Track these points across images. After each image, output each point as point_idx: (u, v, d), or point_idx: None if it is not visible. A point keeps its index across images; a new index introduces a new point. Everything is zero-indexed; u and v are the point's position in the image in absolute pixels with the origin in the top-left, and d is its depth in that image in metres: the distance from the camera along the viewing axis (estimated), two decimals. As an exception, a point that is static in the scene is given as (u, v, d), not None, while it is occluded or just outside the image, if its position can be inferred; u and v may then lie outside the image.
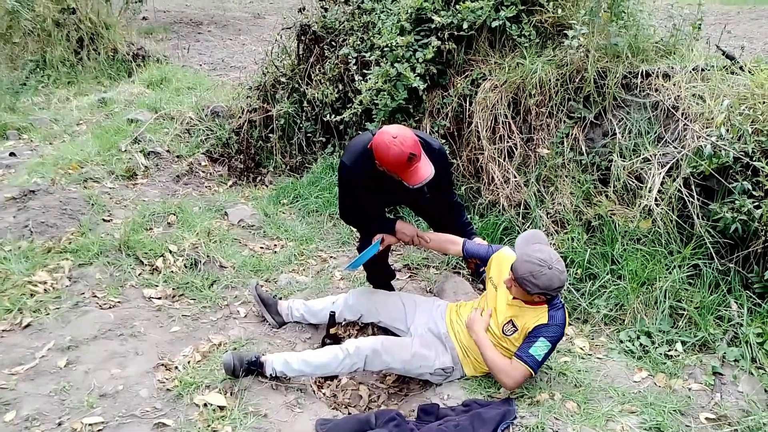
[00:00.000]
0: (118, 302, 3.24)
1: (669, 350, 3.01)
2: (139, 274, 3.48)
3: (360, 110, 4.43)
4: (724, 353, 2.92)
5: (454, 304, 3.06)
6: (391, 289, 3.42)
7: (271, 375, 2.70)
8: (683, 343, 3.03)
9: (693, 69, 3.57)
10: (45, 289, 3.22)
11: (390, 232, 3.07)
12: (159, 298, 3.33)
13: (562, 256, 3.51)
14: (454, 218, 3.30)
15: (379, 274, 3.40)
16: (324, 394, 2.93)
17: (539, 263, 2.50)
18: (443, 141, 4.30)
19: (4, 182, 4.44)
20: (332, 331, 3.05)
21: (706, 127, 3.32)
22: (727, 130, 3.17)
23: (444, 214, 3.30)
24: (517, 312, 2.68)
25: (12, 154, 5.10)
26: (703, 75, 3.55)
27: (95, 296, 3.25)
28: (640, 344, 3.07)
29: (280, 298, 3.36)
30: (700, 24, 3.79)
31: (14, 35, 7.43)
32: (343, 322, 3.24)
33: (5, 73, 7.25)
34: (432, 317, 2.98)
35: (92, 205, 4.01)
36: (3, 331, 2.90)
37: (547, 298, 2.61)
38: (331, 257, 4.01)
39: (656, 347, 3.03)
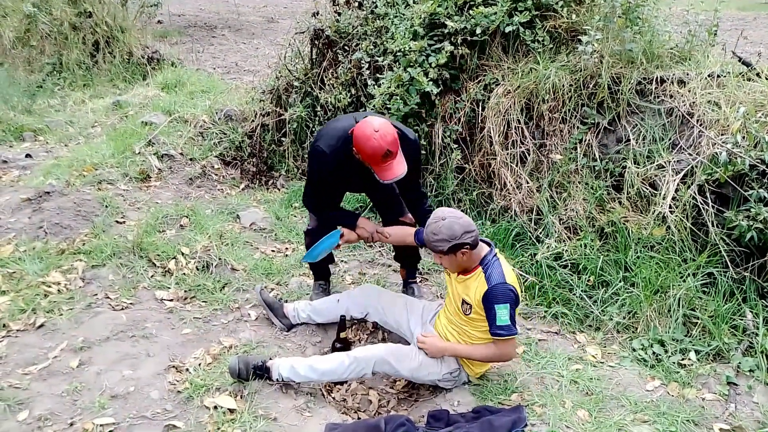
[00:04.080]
0: (131, 304, 3.26)
1: (682, 359, 2.98)
2: (152, 276, 3.50)
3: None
4: (739, 363, 2.88)
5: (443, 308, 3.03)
6: (328, 272, 3.51)
7: (277, 380, 2.71)
8: (697, 352, 3.00)
9: (708, 75, 3.54)
10: (58, 290, 3.24)
11: (351, 226, 3.08)
12: (171, 300, 3.34)
13: (574, 263, 3.52)
14: (418, 208, 3.20)
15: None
16: (334, 398, 2.93)
17: (433, 220, 2.55)
18: (455, 146, 4.30)
19: (19, 183, 4.49)
20: (342, 335, 3.04)
21: (722, 134, 3.29)
22: (743, 137, 3.15)
23: (410, 203, 3.22)
24: (464, 288, 2.67)
25: (28, 155, 5.15)
26: (719, 81, 3.52)
27: (108, 297, 3.28)
28: (653, 353, 3.04)
29: (286, 301, 3.36)
30: (716, 30, 3.76)
31: (32, 38, 7.53)
32: (350, 319, 3.21)
33: (22, 76, 7.33)
34: (425, 325, 2.98)
35: (106, 206, 4.05)
36: (17, 330, 2.93)
37: (471, 248, 2.55)
38: (342, 261, 4.02)
39: (669, 356, 3.00)
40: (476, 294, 2.59)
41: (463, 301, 2.67)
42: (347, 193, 3.95)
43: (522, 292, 3.60)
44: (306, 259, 3.17)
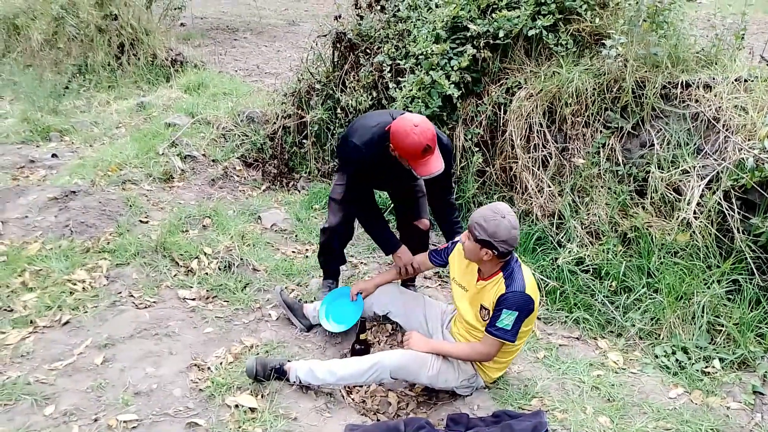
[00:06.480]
0: (154, 302, 3.31)
1: (706, 367, 2.94)
2: (175, 275, 3.54)
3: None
4: (765, 372, 2.84)
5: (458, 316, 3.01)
6: (338, 272, 3.53)
7: (294, 383, 2.72)
8: (721, 360, 2.95)
9: (735, 80, 3.50)
10: (83, 288, 3.30)
11: (391, 249, 3.11)
12: (193, 299, 3.38)
13: (596, 268, 3.49)
14: (445, 217, 3.24)
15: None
16: (353, 399, 2.93)
17: (493, 210, 2.52)
18: (476, 149, 4.30)
19: (46, 182, 4.58)
20: (362, 336, 3.05)
21: (749, 140, 3.24)
22: (771, 143, 3.10)
23: (439, 210, 3.25)
24: (482, 293, 2.64)
25: (54, 155, 5.26)
26: (746, 86, 3.48)
27: (132, 296, 3.32)
28: (676, 360, 3.00)
29: (306, 302, 3.38)
30: (743, 33, 3.71)
31: (59, 41, 7.68)
32: (372, 314, 3.22)
33: (49, 77, 7.49)
34: (444, 328, 2.98)
35: (130, 206, 4.11)
36: (44, 327, 2.99)
37: (497, 256, 2.52)
38: (362, 263, 4.03)
39: (693, 363, 2.96)
40: (494, 298, 2.57)
41: (482, 307, 2.66)
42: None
43: (543, 296, 3.59)
44: (334, 331, 3.17)
